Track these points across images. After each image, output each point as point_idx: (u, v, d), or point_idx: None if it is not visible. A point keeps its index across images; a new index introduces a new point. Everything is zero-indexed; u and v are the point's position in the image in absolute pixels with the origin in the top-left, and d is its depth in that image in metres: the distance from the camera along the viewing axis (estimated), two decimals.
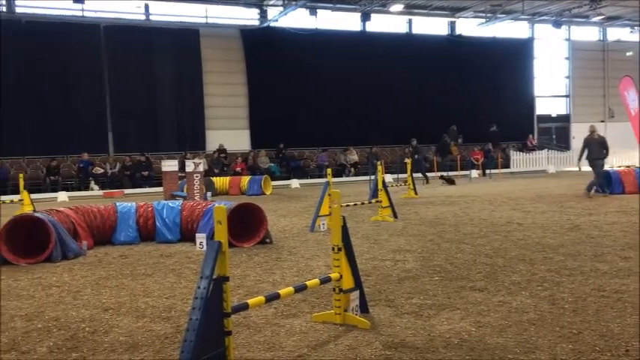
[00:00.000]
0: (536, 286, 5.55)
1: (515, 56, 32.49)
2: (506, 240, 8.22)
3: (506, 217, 10.83)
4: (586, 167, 15.15)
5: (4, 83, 23.16)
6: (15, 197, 15.96)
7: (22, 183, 14.67)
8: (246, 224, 8.54)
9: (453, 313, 4.77)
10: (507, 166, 28.66)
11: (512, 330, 4.31)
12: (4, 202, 15.57)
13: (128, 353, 4.07)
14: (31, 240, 7.91)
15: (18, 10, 23.92)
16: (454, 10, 30.46)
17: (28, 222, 8.07)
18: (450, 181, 21.20)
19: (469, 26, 31.71)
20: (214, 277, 3.39)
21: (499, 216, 11.00)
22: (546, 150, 30.62)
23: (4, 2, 23.67)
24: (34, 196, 15.56)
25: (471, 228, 9.52)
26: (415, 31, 31.18)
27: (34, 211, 10.87)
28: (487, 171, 26.20)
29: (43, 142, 23.78)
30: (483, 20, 30.84)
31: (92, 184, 22.57)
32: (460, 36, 31.61)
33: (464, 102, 30.32)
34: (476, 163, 27.02)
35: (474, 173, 25.69)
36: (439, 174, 24.27)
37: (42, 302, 5.55)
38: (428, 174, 23.22)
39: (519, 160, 29.53)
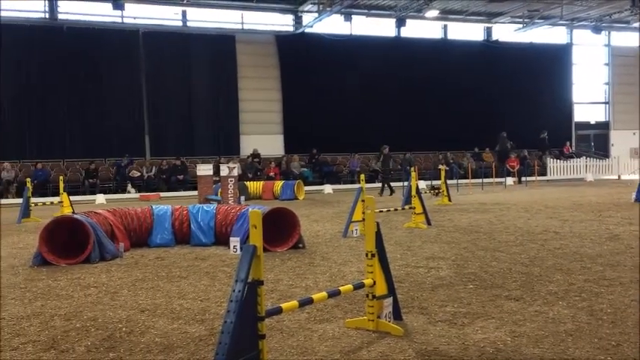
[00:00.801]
0: (574, 297, 5.44)
1: (553, 62, 32.00)
2: (542, 249, 8.08)
3: (543, 225, 10.64)
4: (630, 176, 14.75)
5: (46, 88, 23.82)
6: (55, 199, 16.37)
7: (62, 185, 15.02)
8: (280, 229, 8.58)
9: (487, 322, 4.71)
10: (544, 173, 28.16)
11: (548, 341, 4.23)
12: (44, 203, 15.99)
13: (163, 354, 4.13)
14: (70, 241, 8.09)
15: (60, 16, 24.56)
16: (491, 16, 30.17)
17: (67, 223, 8.27)
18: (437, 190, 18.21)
19: (506, 32, 31.35)
20: (249, 280, 3.43)
21: (535, 224, 10.82)
22: (584, 157, 30.00)
23: (47, 9, 24.33)
24: (73, 198, 15.92)
25: (506, 236, 9.38)
26: (450, 36, 30.98)
27: (74, 212, 11.12)
28: (523, 178, 25.80)
29: (82, 146, 24.37)
30: (520, 26, 30.46)
31: (129, 187, 23.00)
32: (497, 42, 31.29)
33: (499, 108, 29.98)
34: (511, 170, 26.63)
35: (509, 180, 25.32)
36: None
37: (80, 302, 5.67)
38: (460, 181, 22.99)
39: (556, 168, 28.98)
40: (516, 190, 22.11)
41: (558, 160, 29.66)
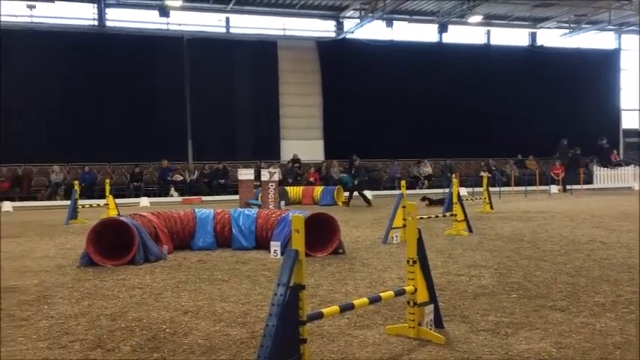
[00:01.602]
0: (622, 308, 5.28)
1: (600, 68, 31.26)
2: (588, 259, 7.87)
3: (589, 234, 10.37)
4: None
5: (93, 93, 24.52)
6: (101, 201, 16.78)
7: (107, 188, 15.39)
8: (320, 234, 8.60)
9: (532, 333, 4.61)
10: (590, 182, 27.45)
11: (595, 353, 4.13)
12: (90, 205, 16.42)
13: (206, 356, 4.19)
14: (116, 243, 8.28)
15: (108, 23, 25.25)
16: (536, 21, 29.67)
17: (113, 225, 8.47)
18: (435, 202, 17.65)
19: (551, 37, 30.76)
20: (291, 284, 3.45)
21: (581, 234, 10.55)
22: (632, 166, 29.11)
23: (95, 16, 25.05)
24: (118, 200, 16.29)
25: (550, 245, 9.18)
26: (494, 42, 30.57)
27: (119, 215, 11.38)
28: (568, 186, 25.21)
29: (127, 150, 24.94)
30: (567, 31, 29.85)
31: (172, 191, 23.42)
32: (542, 47, 30.74)
33: (544, 115, 29.41)
34: (556, 178, 26.05)
35: (554, 189, 24.78)
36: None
37: (125, 303, 5.80)
38: (503, 188, 22.61)
39: (603, 176, 28.22)
40: (561, 198, 21.62)
41: (605, 169, 28.87)
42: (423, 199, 18.43)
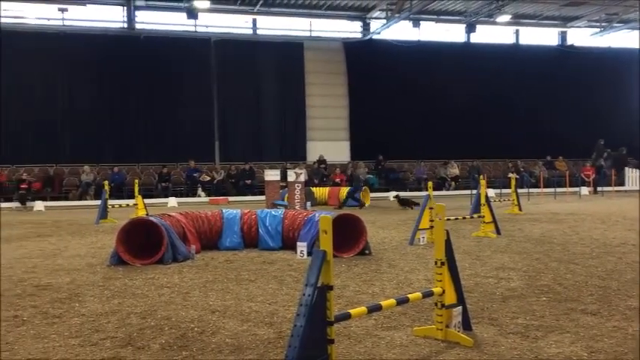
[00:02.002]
0: None
1: (632, 67, 30.58)
2: (620, 262, 7.73)
3: (621, 237, 10.17)
4: None
5: (123, 95, 24.91)
6: (130, 201, 17.01)
7: (136, 188, 15.59)
8: (346, 235, 8.59)
9: (562, 336, 4.55)
10: (621, 183, 26.91)
11: (628, 358, 4.05)
12: (120, 205, 16.66)
13: (234, 355, 4.22)
14: (145, 242, 8.40)
15: (137, 26, 25.61)
16: (566, 20, 29.24)
17: (142, 225, 8.58)
18: (406, 203, 17.91)
19: (582, 36, 30.27)
20: (319, 285, 3.45)
21: (612, 236, 10.36)
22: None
23: (125, 19, 25.43)
24: (146, 200, 16.48)
25: (581, 248, 9.03)
26: (522, 41, 30.19)
27: (148, 215, 11.52)
28: (599, 188, 24.76)
29: (155, 150, 25.28)
30: (597, 30, 29.33)
31: (199, 191, 23.63)
32: (572, 46, 30.25)
33: (574, 115, 28.94)
34: (587, 179, 25.61)
35: (584, 190, 24.35)
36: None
37: (154, 301, 5.88)
38: (531, 190, 22.31)
39: (635, 178, 27.61)
40: (592, 200, 21.24)
41: (637, 170, 28.25)
42: (401, 201, 18.00)
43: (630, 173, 27.73)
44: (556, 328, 4.75)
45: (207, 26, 26.51)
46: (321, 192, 20.42)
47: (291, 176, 14.97)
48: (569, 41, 30.57)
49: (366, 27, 28.10)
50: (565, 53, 29.96)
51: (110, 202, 15.72)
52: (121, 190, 22.71)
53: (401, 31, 27.60)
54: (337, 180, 24.37)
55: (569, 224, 12.49)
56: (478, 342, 4.42)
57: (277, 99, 27.08)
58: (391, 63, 27.03)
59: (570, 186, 23.81)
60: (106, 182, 16.59)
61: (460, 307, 4.62)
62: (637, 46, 31.17)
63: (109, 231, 12.25)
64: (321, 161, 25.97)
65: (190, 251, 8.55)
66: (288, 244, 9.15)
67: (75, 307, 5.69)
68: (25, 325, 5.06)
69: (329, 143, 27.35)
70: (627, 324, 4.84)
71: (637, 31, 30.02)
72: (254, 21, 27.22)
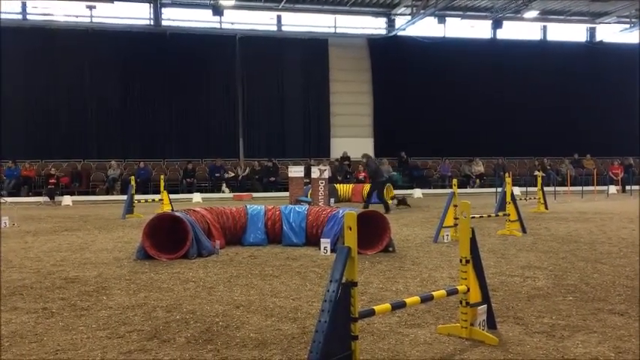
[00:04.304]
0: None
1: None
2: None
3: None
4: None
5: (149, 91, 25.19)
6: (156, 197, 17.22)
7: (162, 184, 15.78)
8: (370, 232, 8.58)
9: (589, 336, 4.49)
10: None
11: None
12: (145, 200, 16.86)
13: (258, 350, 4.26)
14: (170, 237, 8.49)
15: (164, 23, 25.84)
16: (594, 16, 28.73)
17: (168, 220, 8.68)
18: (402, 202, 17.34)
19: (611, 32, 29.71)
20: (343, 281, 3.46)
21: None
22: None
23: (151, 16, 25.69)
24: (172, 196, 16.66)
25: (608, 247, 8.89)
26: (550, 38, 29.75)
27: (173, 210, 11.65)
28: (627, 187, 24.32)
29: (180, 146, 25.53)
30: (627, 26, 28.76)
31: (223, 187, 23.80)
32: (601, 43, 29.73)
33: (602, 112, 28.46)
34: (615, 178, 25.18)
35: (612, 189, 23.95)
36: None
37: (180, 295, 5.95)
38: (558, 188, 22.00)
39: None
40: (620, 199, 20.89)
41: None
42: (397, 200, 17.66)
43: None
44: (583, 328, 4.70)
45: (232, 23, 26.63)
46: (344, 189, 20.42)
47: (314, 173, 14.97)
48: (598, 37, 30.04)
49: (390, 23, 27.96)
50: (593, 50, 29.46)
51: (136, 197, 15.92)
52: (147, 186, 22.99)
53: (426, 27, 27.40)
54: (361, 177, 24.31)
55: (597, 223, 12.31)
56: (503, 341, 4.39)
57: (301, 95, 27.11)
58: (416, 60, 26.87)
59: (598, 184, 23.42)
60: (133, 177, 16.80)
61: (485, 306, 4.59)
62: None
63: (136, 226, 12.42)
64: (345, 158, 25.95)
65: (215, 246, 8.62)
66: (312, 241, 9.17)
67: (102, 300, 5.78)
68: (53, 317, 5.16)
69: (353, 140, 27.28)
70: None
71: None
72: (279, 17, 27.27)
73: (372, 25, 28.25)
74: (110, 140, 25.10)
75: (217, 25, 26.33)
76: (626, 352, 4.11)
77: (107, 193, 23.05)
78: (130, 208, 14.84)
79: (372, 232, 8.61)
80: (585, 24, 29.69)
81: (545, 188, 16.37)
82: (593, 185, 23.09)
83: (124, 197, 16.34)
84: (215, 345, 4.36)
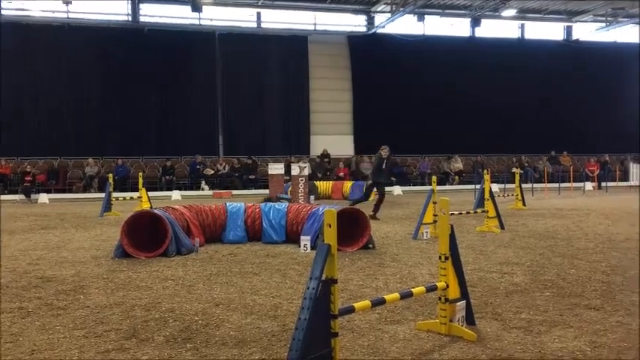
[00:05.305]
0: None
1: (637, 62, 30.42)
2: (624, 257, 7.72)
3: (625, 233, 10.16)
4: None
5: (127, 88, 24.91)
6: (134, 194, 17.06)
7: (141, 181, 15.63)
8: (350, 229, 8.60)
9: (565, 331, 4.55)
10: (625, 179, 26.83)
11: (631, 353, 4.05)
12: (124, 198, 16.69)
13: (237, 348, 4.24)
14: (149, 235, 8.42)
15: (142, 19, 25.58)
16: (571, 14, 29.10)
17: (147, 218, 8.60)
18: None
19: (587, 31, 30.12)
20: (323, 278, 3.46)
21: (616, 231, 10.35)
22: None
23: (129, 12, 25.41)
24: (150, 193, 16.52)
25: (585, 243, 9.02)
26: (527, 36, 30.06)
27: (152, 208, 11.55)
28: (603, 183, 24.70)
29: (159, 144, 25.29)
30: (603, 24, 29.18)
31: (203, 184, 23.66)
32: (577, 41, 30.11)
33: (579, 110, 28.84)
34: (591, 175, 25.55)
35: (589, 186, 24.30)
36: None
37: (159, 294, 5.90)
38: (535, 185, 22.28)
39: (639, 173, 27.52)
40: (596, 195, 21.20)
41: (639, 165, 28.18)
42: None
43: (634, 169, 27.66)
44: (559, 323, 4.76)
45: (211, 19, 26.46)
46: (324, 186, 20.45)
47: (294, 170, 14.98)
48: (575, 36, 30.42)
49: (370, 21, 28.01)
50: (570, 48, 29.83)
51: (114, 194, 15.76)
52: (125, 183, 22.77)
53: (405, 25, 27.49)
54: (341, 174, 24.36)
55: (573, 219, 12.48)
56: (481, 336, 4.43)
57: (281, 93, 27.04)
58: (395, 57, 26.95)
59: (574, 181, 23.75)
60: (111, 175, 16.64)
61: (464, 302, 4.63)
62: None
63: (113, 224, 12.29)
64: (325, 155, 25.95)
65: (194, 244, 8.57)
66: (292, 238, 9.16)
67: (79, 299, 5.71)
68: (30, 316, 5.09)
69: (333, 137, 27.31)
70: (631, 319, 4.84)
71: None
72: (258, 14, 27.16)
73: (352, 22, 28.28)
74: (87, 137, 24.77)
75: (196, 22, 26.15)
76: (601, 347, 4.18)
77: (84, 191, 22.77)
78: (107, 206, 14.68)
79: (352, 229, 8.63)
80: (562, 22, 30.05)
81: (523, 185, 16.54)
82: (569, 182, 23.41)
83: (102, 195, 16.16)
84: (194, 343, 4.33)
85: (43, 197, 20.61)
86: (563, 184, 22.76)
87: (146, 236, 8.37)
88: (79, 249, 8.93)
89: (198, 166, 23.99)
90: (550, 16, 29.13)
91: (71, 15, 25.05)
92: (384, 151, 13.25)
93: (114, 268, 7.33)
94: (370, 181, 13.96)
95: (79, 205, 18.98)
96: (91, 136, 24.77)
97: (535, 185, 22.66)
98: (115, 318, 5.02)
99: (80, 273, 7.01)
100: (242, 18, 27.03)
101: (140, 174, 16.81)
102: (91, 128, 24.79)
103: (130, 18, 25.50)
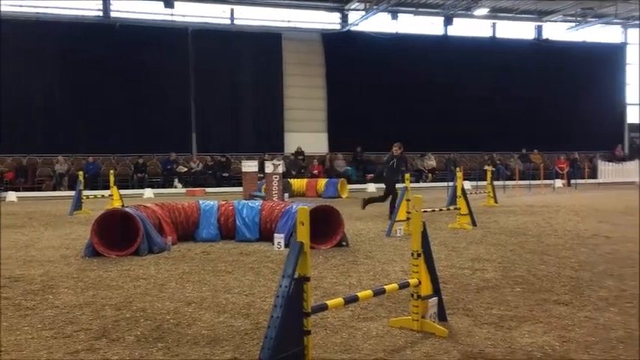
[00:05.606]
0: (626, 303, 5.28)
1: (606, 62, 31.10)
2: (592, 253, 7.87)
3: (593, 229, 10.36)
4: None
5: (98, 84, 24.52)
6: (105, 192, 16.83)
7: (112, 179, 15.42)
8: (324, 226, 8.60)
9: (535, 326, 4.62)
10: (594, 176, 27.38)
11: (599, 347, 4.13)
12: (95, 196, 16.45)
13: (210, 346, 4.21)
14: (120, 233, 8.31)
15: (113, 14, 25.21)
16: (542, 14, 29.54)
17: (118, 216, 8.49)
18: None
19: (557, 30, 30.60)
20: (296, 276, 3.45)
21: (585, 228, 10.55)
22: (637, 160, 29.02)
23: (100, 7, 25.02)
24: (122, 191, 16.32)
25: (554, 239, 9.18)
26: (499, 35, 30.42)
27: (123, 206, 11.40)
28: (572, 181, 25.16)
29: (131, 141, 24.94)
30: (573, 24, 29.69)
31: (176, 182, 23.46)
32: (547, 40, 30.56)
33: (549, 108, 29.31)
34: (560, 172, 26.00)
35: (558, 183, 24.73)
36: None
37: (130, 293, 5.82)
38: (507, 182, 22.59)
39: (607, 171, 28.13)
40: (565, 192, 21.60)
41: (610, 163, 28.78)
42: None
43: (602, 166, 28.25)
44: (529, 319, 4.83)
45: (184, 16, 26.20)
46: (298, 183, 20.44)
47: (268, 167, 14.91)
48: (545, 35, 30.88)
49: (344, 18, 28.04)
50: (541, 47, 30.27)
51: (85, 192, 15.53)
52: (96, 181, 22.45)
53: (379, 23, 27.60)
54: (315, 172, 24.38)
55: (543, 216, 12.68)
56: (453, 332, 4.47)
57: (255, 90, 26.90)
58: (369, 55, 27.02)
59: (545, 178, 24.15)
60: (81, 173, 16.38)
61: (436, 298, 4.67)
62: (611, 41, 31.66)
63: (84, 222, 12.10)
64: (299, 153, 25.93)
65: (166, 242, 8.49)
66: (266, 236, 9.13)
67: (48, 299, 5.61)
68: None
69: (307, 135, 27.29)
70: (599, 314, 4.94)
71: (611, 26, 30.46)
72: (232, 11, 26.98)
73: (326, 20, 28.27)
74: (57, 134, 24.30)
75: (169, 18, 25.86)
76: (570, 342, 4.25)
77: (54, 189, 22.39)
78: (78, 204, 14.45)
79: (326, 226, 8.64)
80: (533, 22, 30.48)
81: (495, 182, 16.78)
82: (540, 179, 23.80)
83: (72, 193, 15.91)
84: (166, 343, 4.29)
85: (12, 195, 20.22)
86: (533, 182, 23.14)
87: (117, 235, 8.26)
88: (48, 248, 8.78)
89: (169, 166, 23.74)
90: (521, 15, 29.52)
91: (41, 10, 24.55)
92: (396, 149, 12.70)
93: (84, 267, 7.22)
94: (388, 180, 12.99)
95: (49, 203, 18.65)
96: (61, 133, 24.31)
97: (506, 182, 22.99)
98: (84, 318, 4.94)
99: (49, 272, 6.88)
100: (215, 14, 26.82)
101: (111, 171, 16.60)
102: (61, 125, 24.32)
103: (101, 13, 25.11)
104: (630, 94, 32.25)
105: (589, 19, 29.08)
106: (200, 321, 4.83)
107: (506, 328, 4.59)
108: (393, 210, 11.41)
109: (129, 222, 8.21)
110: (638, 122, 32.77)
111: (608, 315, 4.91)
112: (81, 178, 15.33)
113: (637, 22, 29.54)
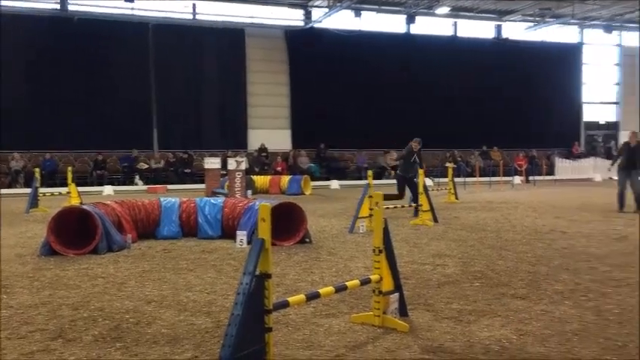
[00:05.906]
0: (580, 296, 5.43)
1: (563, 61, 31.83)
2: (549, 248, 8.06)
3: (550, 224, 10.61)
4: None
5: (55, 79, 23.90)
6: (63, 189, 16.43)
7: (70, 176, 15.09)
8: (286, 223, 8.59)
9: (493, 320, 4.71)
10: (552, 173, 28.05)
11: (554, 340, 4.23)
12: (52, 193, 16.06)
13: (170, 345, 4.16)
14: (78, 232, 8.13)
15: (70, 8, 24.61)
16: (501, 14, 30.05)
17: (75, 214, 8.31)
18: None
19: (516, 30, 31.19)
20: (257, 273, 3.44)
21: (542, 223, 10.79)
22: (593, 158, 29.86)
23: (58, 1, 24.38)
24: (81, 189, 15.99)
25: (512, 235, 9.37)
26: (460, 34, 30.83)
27: (82, 203, 11.17)
28: (530, 177, 25.72)
29: (90, 137, 24.38)
30: (531, 24, 30.31)
31: (137, 179, 23.08)
32: (507, 40, 31.11)
33: (509, 107, 29.85)
34: (519, 169, 26.55)
35: (517, 179, 25.25)
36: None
37: (88, 292, 5.71)
38: (467, 179, 22.94)
39: (564, 168, 28.86)
40: (524, 189, 22.06)
41: (567, 160, 29.53)
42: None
43: (559, 163, 28.97)
44: (488, 313, 4.92)
45: (145, 10, 25.74)
46: (262, 180, 20.34)
47: (231, 164, 14.81)
48: (505, 35, 31.43)
49: (307, 15, 28.00)
50: (500, 46, 30.80)
51: (41, 190, 15.15)
52: (54, 178, 21.91)
53: (343, 20, 27.64)
54: (278, 168, 24.31)
55: (503, 212, 12.93)
56: (414, 327, 4.52)
57: (218, 86, 26.63)
58: (333, 52, 27.05)
59: (504, 175, 24.63)
60: (37, 170, 15.96)
61: (397, 294, 4.71)
62: (569, 41, 32.43)
63: (40, 220, 11.80)
64: (263, 149, 25.83)
65: (126, 240, 8.35)
66: (228, 233, 9.07)
67: (2, 299, 5.46)
68: None
69: (270, 131, 27.16)
70: (554, 307, 5.06)
71: (569, 26, 31.21)
72: (194, 6, 26.63)
73: (290, 16, 28.18)
74: (12, 130, 23.56)
75: (129, 12, 25.37)
76: (526, 335, 4.34)
77: (9, 187, 21.76)
78: (34, 201, 14.09)
79: (289, 223, 8.63)
80: (493, 21, 30.99)
81: (456, 179, 17.03)
82: (499, 176, 24.26)
83: (28, 190, 15.49)
84: (124, 342, 4.22)
85: None
86: (493, 178, 23.58)
87: (75, 233, 8.08)
88: (3, 247, 8.52)
89: (129, 163, 23.33)
90: (482, 14, 29.99)
91: None
92: (415, 144, 12.57)
93: (40, 266, 7.05)
94: (400, 176, 12.79)
95: (4, 201, 18.10)
96: (16, 128, 23.59)
97: (467, 179, 23.36)
98: (40, 318, 4.83)
99: (3, 272, 6.69)
100: (177, 9, 26.44)
101: (69, 168, 16.23)
102: (17, 121, 23.58)
103: (58, 7, 24.46)
104: (586, 93, 33.11)
105: (547, 19, 29.71)
106: (160, 320, 4.77)
107: (466, 322, 4.67)
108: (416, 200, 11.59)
109: (87, 220, 8.04)
110: (594, 120, 33.69)
111: (563, 308, 5.03)
112: (37, 175, 14.95)
113: (593, 22, 30.37)
